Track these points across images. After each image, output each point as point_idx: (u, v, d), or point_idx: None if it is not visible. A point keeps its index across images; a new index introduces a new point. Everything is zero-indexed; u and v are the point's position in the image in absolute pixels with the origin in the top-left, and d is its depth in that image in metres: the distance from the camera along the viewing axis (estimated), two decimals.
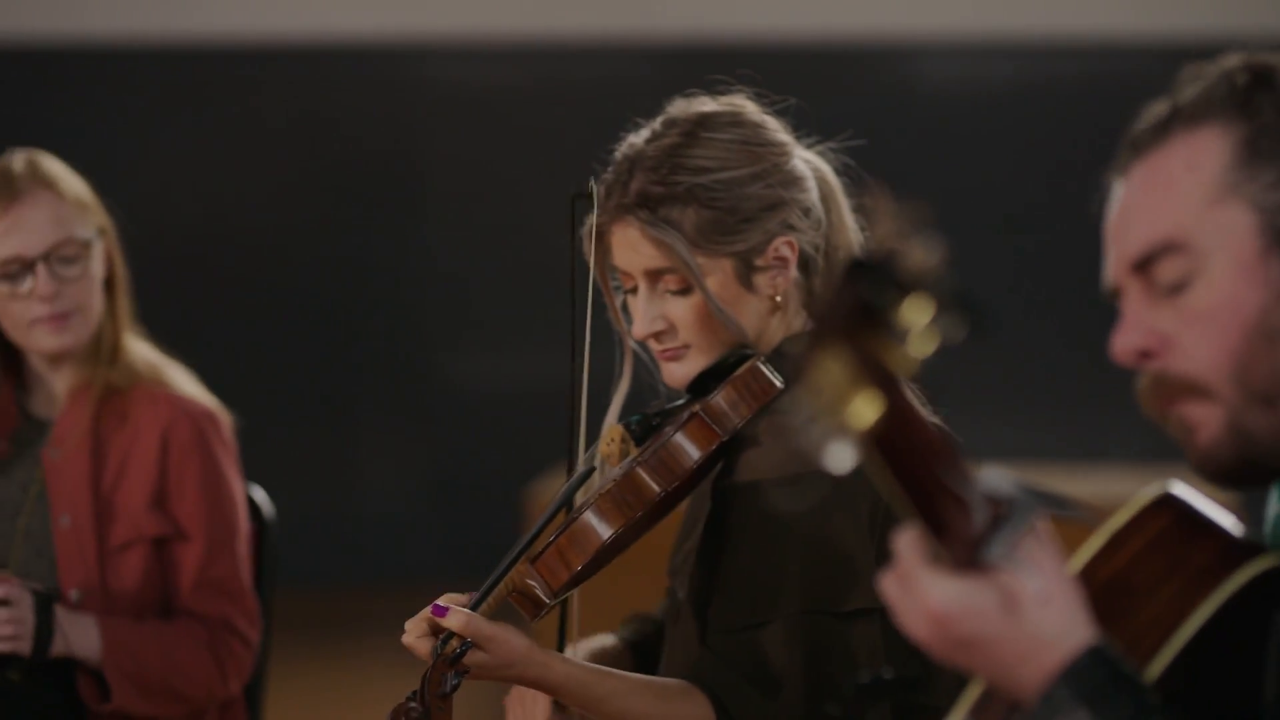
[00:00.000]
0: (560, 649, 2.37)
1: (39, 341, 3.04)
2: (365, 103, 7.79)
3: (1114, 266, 1.52)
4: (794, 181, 2.33)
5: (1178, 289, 1.48)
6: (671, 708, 2.22)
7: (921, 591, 1.37)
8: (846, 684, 2.18)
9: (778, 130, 2.36)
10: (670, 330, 2.30)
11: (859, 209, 2.39)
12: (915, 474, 1.33)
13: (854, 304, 1.28)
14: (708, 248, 2.27)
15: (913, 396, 1.33)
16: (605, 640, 2.49)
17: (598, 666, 2.24)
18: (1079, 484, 5.47)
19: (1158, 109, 1.53)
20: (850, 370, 1.29)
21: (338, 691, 5.73)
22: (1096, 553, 1.52)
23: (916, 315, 1.29)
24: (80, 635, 2.95)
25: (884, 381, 1.30)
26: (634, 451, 2.28)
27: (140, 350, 3.12)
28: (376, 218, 7.80)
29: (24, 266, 3.02)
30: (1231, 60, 1.52)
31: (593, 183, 2.33)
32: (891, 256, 1.27)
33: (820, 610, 2.19)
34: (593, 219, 2.33)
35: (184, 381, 3.14)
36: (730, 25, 7.35)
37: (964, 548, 1.35)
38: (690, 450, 2.23)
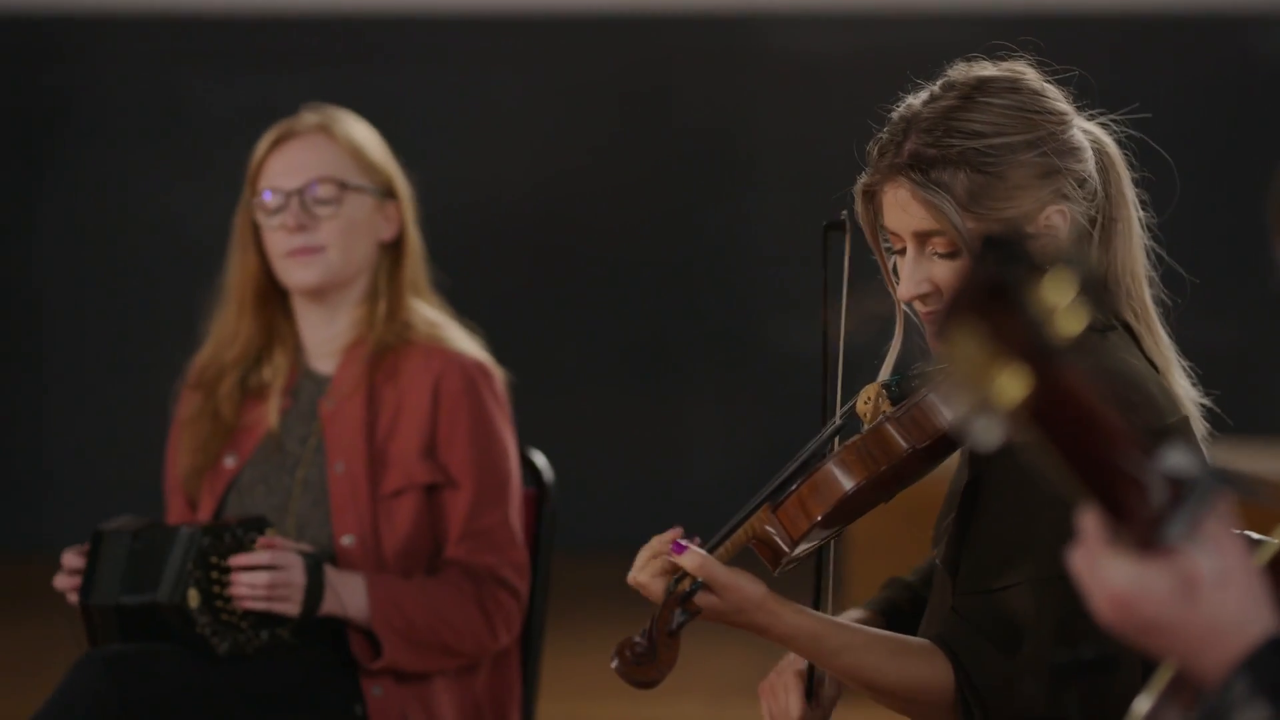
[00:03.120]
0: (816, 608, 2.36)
1: (288, 275, 3.14)
2: (693, 71, 7.84)
3: None
4: (1069, 151, 2.28)
5: None
6: (906, 664, 2.20)
7: (1101, 573, 1.34)
8: (1041, 663, 2.14)
9: (1057, 99, 2.31)
10: (935, 293, 2.27)
11: (1141, 183, 2.34)
12: (1082, 453, 1.30)
13: (986, 280, 1.26)
14: (977, 212, 2.23)
15: (1080, 374, 1.29)
16: (854, 612, 2.47)
17: (832, 619, 2.24)
18: None
19: None
20: (988, 345, 1.26)
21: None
22: None
23: (1056, 293, 1.26)
24: (350, 593, 3.01)
25: (1033, 357, 1.26)
26: (889, 410, 2.25)
27: (422, 312, 3.19)
28: (703, 185, 7.84)
29: (283, 199, 3.13)
30: None
31: (845, 213, 2.33)
32: (1024, 234, 1.25)
33: (1070, 575, 2.15)
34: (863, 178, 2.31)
35: (460, 338, 3.18)
36: None
37: (1141, 528, 1.32)
38: (943, 411, 2.19)
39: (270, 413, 3.17)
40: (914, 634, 2.35)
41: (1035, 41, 2.36)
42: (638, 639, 2.15)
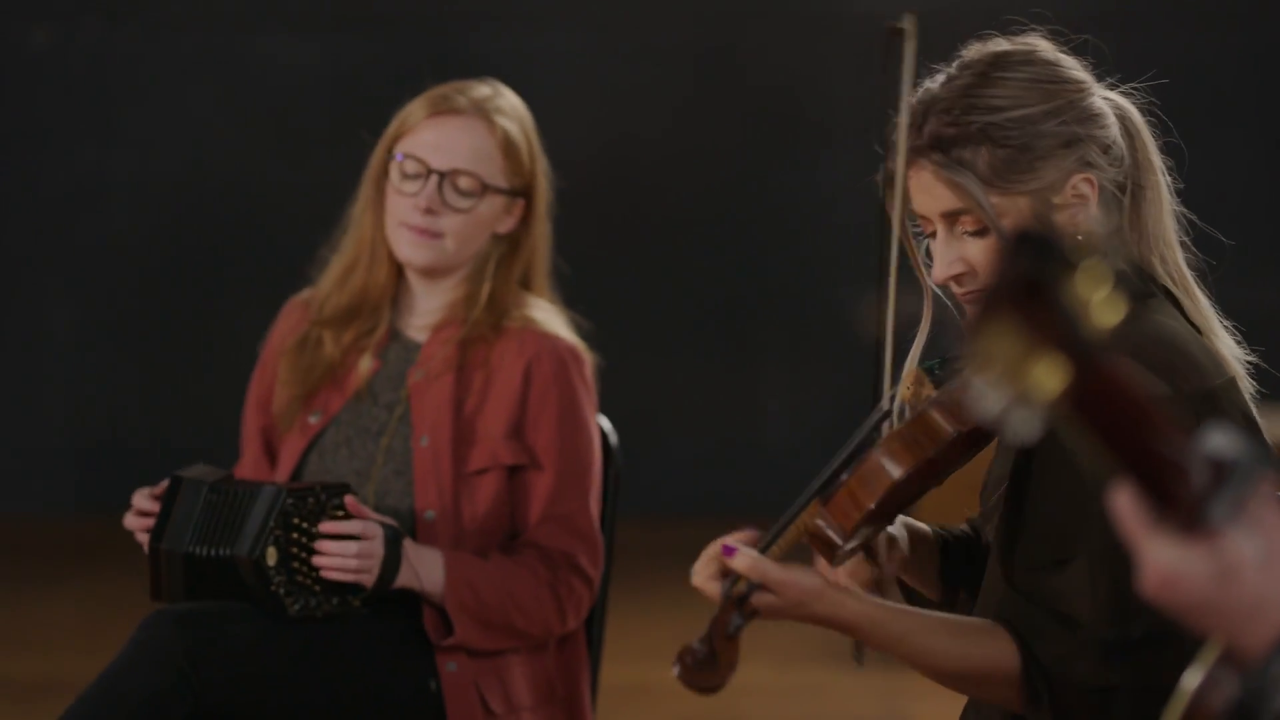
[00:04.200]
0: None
1: (398, 244, 3.14)
2: (765, 31, 7.81)
3: None
4: (1091, 118, 2.28)
5: None
6: (969, 646, 2.20)
7: (1144, 555, 1.34)
8: (1099, 636, 2.15)
9: (1073, 68, 2.31)
10: (970, 272, 2.28)
11: (1166, 149, 2.34)
12: (1122, 440, 1.31)
13: (1019, 276, 1.27)
14: (1002, 187, 2.24)
15: (1118, 363, 1.29)
16: (925, 527, 2.46)
17: (894, 604, 2.24)
18: None
19: None
20: (1024, 340, 1.27)
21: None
22: None
23: (1090, 287, 1.26)
24: (427, 569, 3.02)
25: (1070, 350, 1.27)
26: (932, 394, 2.25)
27: (523, 300, 3.18)
28: (775, 148, 7.82)
29: (424, 172, 3.11)
30: None
31: (906, 17, 2.32)
32: (1055, 227, 1.25)
33: (1123, 546, 2.15)
34: (890, 165, 2.35)
35: (553, 320, 3.18)
36: None
37: (1184, 511, 1.33)
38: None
39: (362, 368, 3.17)
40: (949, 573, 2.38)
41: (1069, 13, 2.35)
42: (697, 645, 2.15)
